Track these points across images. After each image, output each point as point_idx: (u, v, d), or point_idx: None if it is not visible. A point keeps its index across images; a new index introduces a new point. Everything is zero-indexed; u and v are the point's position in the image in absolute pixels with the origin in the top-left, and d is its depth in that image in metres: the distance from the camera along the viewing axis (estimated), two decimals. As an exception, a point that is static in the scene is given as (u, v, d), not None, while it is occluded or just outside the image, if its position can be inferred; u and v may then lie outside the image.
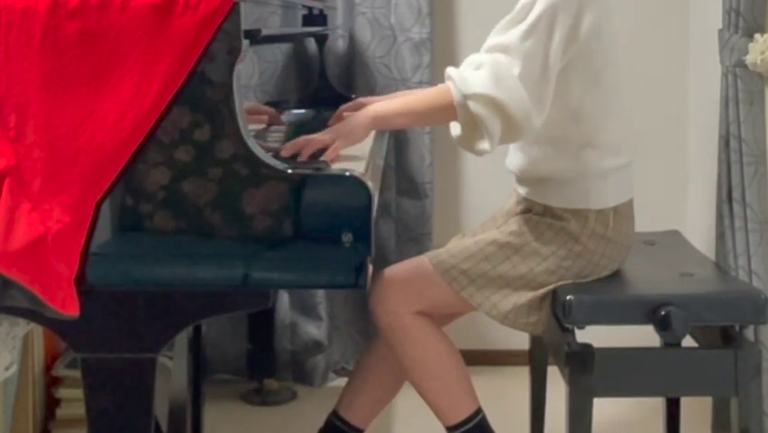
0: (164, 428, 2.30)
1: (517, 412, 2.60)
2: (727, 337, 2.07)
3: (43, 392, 2.58)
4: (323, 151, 1.86)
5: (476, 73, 1.96)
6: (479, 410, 2.14)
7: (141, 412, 1.63)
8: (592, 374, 1.99)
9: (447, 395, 2.13)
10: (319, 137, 1.89)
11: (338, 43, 3.13)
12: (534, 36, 1.95)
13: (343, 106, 2.41)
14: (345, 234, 1.57)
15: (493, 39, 2.00)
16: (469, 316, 2.29)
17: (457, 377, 2.13)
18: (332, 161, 1.87)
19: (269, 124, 2.35)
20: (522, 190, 2.19)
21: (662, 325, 2.01)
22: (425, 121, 2.17)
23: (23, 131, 1.56)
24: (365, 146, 2.00)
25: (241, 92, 1.60)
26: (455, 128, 2.04)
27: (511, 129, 1.95)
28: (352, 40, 3.13)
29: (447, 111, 1.98)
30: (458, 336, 2.22)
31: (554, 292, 2.07)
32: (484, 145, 1.96)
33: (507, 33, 1.97)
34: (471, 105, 1.94)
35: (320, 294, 3.12)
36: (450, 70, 2.01)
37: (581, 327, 2.04)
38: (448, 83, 1.99)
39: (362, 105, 2.37)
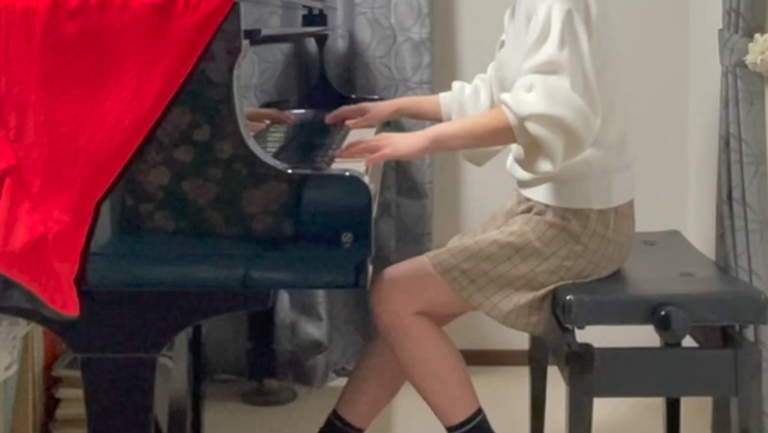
0: (164, 428, 2.30)
1: (517, 412, 2.60)
2: (727, 337, 2.07)
3: (43, 392, 2.58)
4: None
5: (529, 94, 1.95)
6: (479, 411, 2.14)
7: (141, 412, 1.63)
8: (592, 374, 1.99)
9: (447, 395, 2.13)
10: (371, 141, 1.94)
11: (338, 43, 3.12)
12: (566, 44, 1.95)
13: (345, 108, 2.42)
14: (345, 234, 1.57)
15: (531, 60, 1.97)
16: (469, 316, 2.29)
17: (457, 377, 2.13)
18: (327, 155, 1.88)
19: (277, 123, 2.35)
20: (523, 190, 2.19)
21: (663, 325, 2.01)
22: (482, 143, 2.16)
23: (23, 131, 1.56)
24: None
25: (241, 92, 1.60)
26: (517, 151, 2.05)
27: (574, 141, 1.94)
28: (351, 40, 3.13)
29: (505, 133, 1.98)
30: (458, 336, 2.22)
31: (554, 292, 2.07)
32: (546, 166, 1.96)
33: (541, 51, 1.96)
34: (530, 126, 1.93)
35: (320, 294, 3.12)
36: (504, 96, 2.00)
37: (581, 327, 2.04)
38: (502, 107, 1.99)
39: (364, 110, 2.40)
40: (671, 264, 2.26)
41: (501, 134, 2.00)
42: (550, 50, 1.95)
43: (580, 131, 1.93)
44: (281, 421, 2.95)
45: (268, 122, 2.32)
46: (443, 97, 2.41)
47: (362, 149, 1.93)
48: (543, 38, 1.97)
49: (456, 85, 2.41)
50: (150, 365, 1.63)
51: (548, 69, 1.95)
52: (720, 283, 2.17)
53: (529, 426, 2.55)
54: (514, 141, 1.99)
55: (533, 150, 1.97)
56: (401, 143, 1.97)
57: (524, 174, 2.14)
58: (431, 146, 2.01)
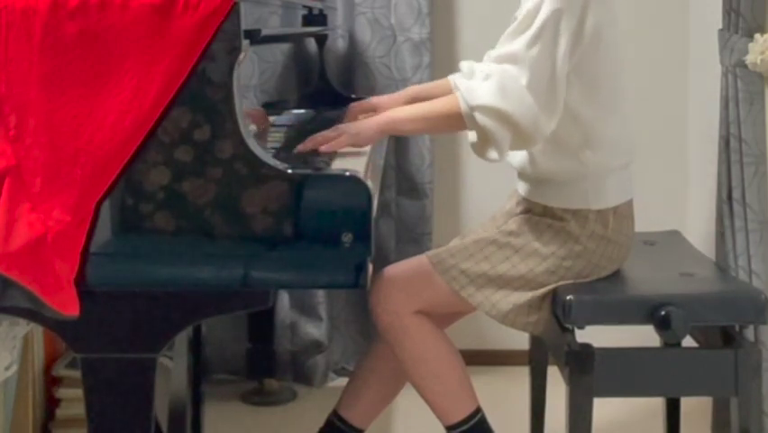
0: (164, 428, 2.30)
1: (517, 412, 2.60)
2: (727, 337, 2.07)
3: (43, 392, 2.58)
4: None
5: (483, 84, 1.96)
6: (478, 410, 2.14)
7: (141, 412, 1.63)
8: (592, 374, 1.99)
9: (447, 395, 2.13)
10: (327, 132, 1.93)
11: (338, 43, 3.12)
12: (540, 43, 1.95)
13: (356, 104, 2.42)
14: (345, 234, 1.57)
15: (500, 49, 2.00)
16: (469, 316, 2.28)
17: (457, 377, 2.14)
18: (328, 155, 1.87)
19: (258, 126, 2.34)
20: (522, 190, 2.19)
21: (663, 325, 2.01)
22: (434, 129, 2.19)
23: (23, 131, 1.56)
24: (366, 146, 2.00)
25: (241, 92, 1.60)
26: (471, 135, 2.04)
27: (521, 138, 1.96)
28: (351, 40, 3.13)
29: (456, 120, 1.99)
30: (458, 336, 2.22)
31: (554, 292, 2.07)
32: (493, 155, 1.97)
33: (513, 42, 1.97)
34: (478, 116, 1.94)
35: (320, 294, 3.12)
36: (458, 81, 2.01)
37: (581, 327, 2.04)
38: (456, 93, 1.99)
39: (372, 106, 2.39)
40: (671, 264, 2.26)
41: (452, 121, 2.01)
42: (521, 43, 1.96)
43: (527, 130, 1.94)
44: (281, 421, 2.95)
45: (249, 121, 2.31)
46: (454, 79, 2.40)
47: (321, 140, 1.93)
48: (520, 30, 1.97)
49: (465, 65, 2.39)
50: (150, 365, 1.63)
51: (510, 61, 1.96)
52: (720, 283, 2.16)
53: (529, 426, 2.55)
54: (464, 128, 2.00)
55: (483, 138, 1.98)
56: (359, 129, 1.98)
57: (521, 163, 2.14)
58: (385, 130, 2.03)
